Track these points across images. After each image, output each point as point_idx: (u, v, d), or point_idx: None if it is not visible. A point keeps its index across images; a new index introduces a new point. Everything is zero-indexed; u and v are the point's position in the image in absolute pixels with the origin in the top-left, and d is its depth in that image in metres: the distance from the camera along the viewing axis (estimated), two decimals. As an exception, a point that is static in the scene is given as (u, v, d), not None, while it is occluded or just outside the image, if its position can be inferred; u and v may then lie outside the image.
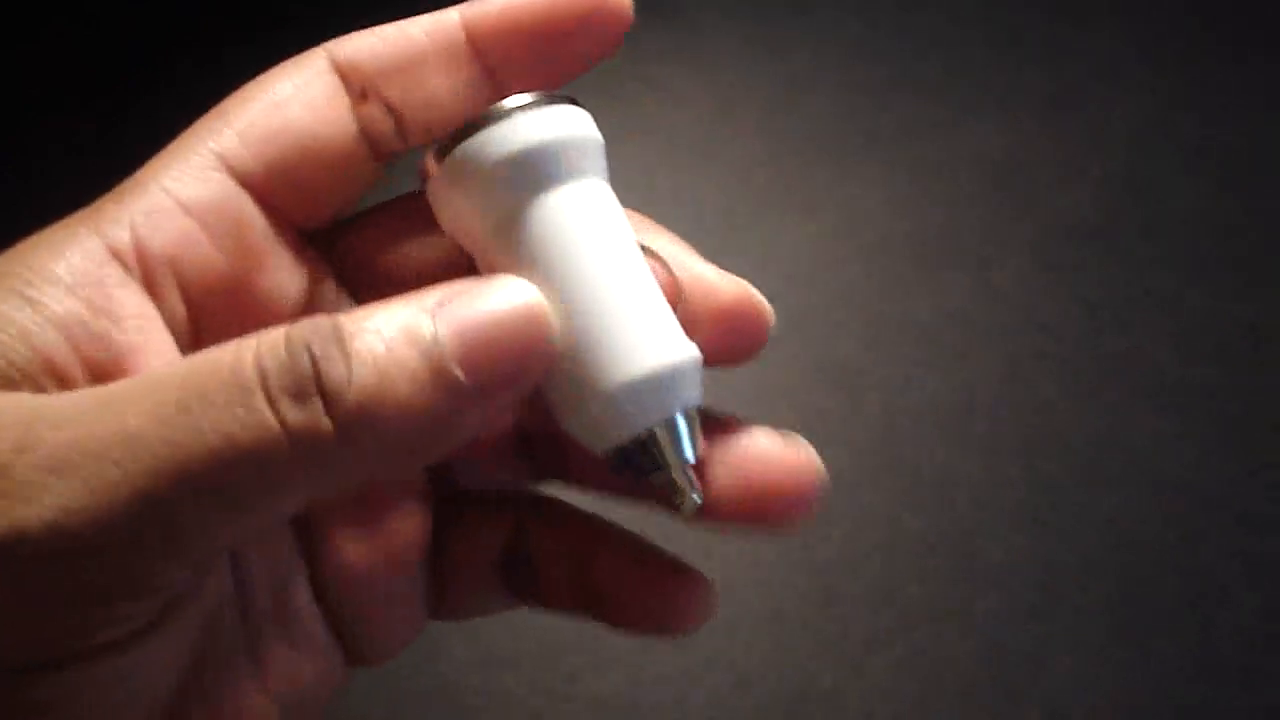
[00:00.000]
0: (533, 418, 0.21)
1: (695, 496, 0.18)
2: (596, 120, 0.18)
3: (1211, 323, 0.70)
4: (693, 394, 0.18)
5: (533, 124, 0.17)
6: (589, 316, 0.16)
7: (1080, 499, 0.64)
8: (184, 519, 0.14)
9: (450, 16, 0.19)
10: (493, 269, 0.17)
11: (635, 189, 0.79)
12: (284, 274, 0.19)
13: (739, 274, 0.20)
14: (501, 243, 0.17)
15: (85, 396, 0.15)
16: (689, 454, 0.18)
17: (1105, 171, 0.78)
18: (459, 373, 0.15)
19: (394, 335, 0.15)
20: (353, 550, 0.20)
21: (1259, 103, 0.81)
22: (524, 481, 0.22)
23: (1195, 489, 0.64)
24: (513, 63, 0.19)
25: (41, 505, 0.13)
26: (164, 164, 0.18)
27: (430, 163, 0.18)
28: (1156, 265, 0.73)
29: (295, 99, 0.19)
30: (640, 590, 0.20)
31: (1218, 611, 0.60)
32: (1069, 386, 0.68)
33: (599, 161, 0.18)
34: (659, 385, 0.17)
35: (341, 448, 0.14)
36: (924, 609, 0.61)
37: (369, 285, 0.20)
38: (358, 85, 0.19)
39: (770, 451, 0.20)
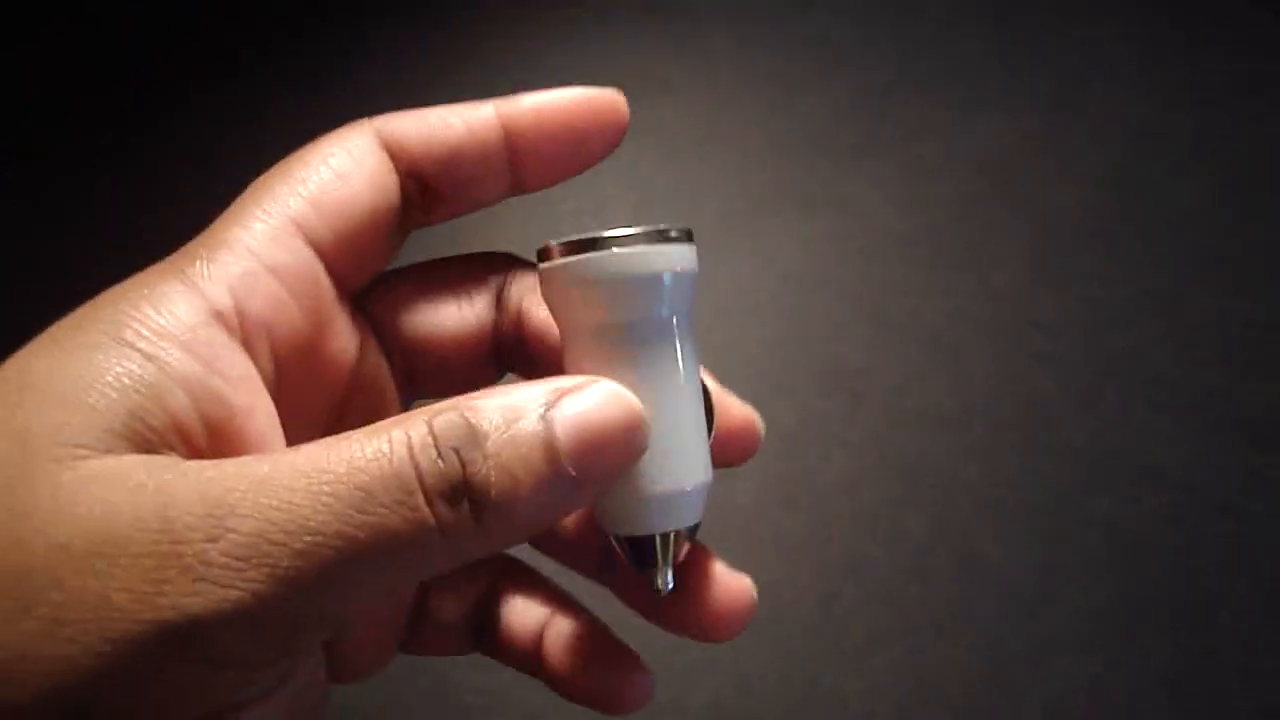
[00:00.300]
0: None
1: (670, 585, 0.21)
2: None
3: (1211, 323, 0.70)
4: (701, 510, 0.21)
5: (666, 255, 0.19)
6: (656, 430, 0.19)
7: (1080, 499, 0.64)
8: (346, 599, 0.16)
9: (486, 110, 0.21)
10: (581, 359, 0.20)
11: (635, 189, 0.79)
12: (345, 334, 0.21)
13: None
14: (601, 343, 0.19)
15: (246, 477, 0.16)
16: (680, 555, 0.21)
17: (1105, 172, 0.78)
18: (571, 470, 0.17)
19: (523, 439, 0.17)
20: None
21: (1259, 103, 0.81)
22: None
23: (1195, 489, 0.64)
24: (537, 155, 0.21)
25: (236, 590, 0.15)
26: (244, 225, 0.19)
27: (559, 255, 0.19)
28: (1156, 265, 0.73)
29: (356, 173, 0.20)
30: (587, 671, 0.24)
31: (1218, 611, 0.60)
32: (1069, 386, 0.68)
33: (692, 294, 0.21)
34: (689, 500, 0.20)
35: (479, 535, 0.17)
36: (924, 609, 0.61)
37: (401, 346, 0.22)
38: (403, 163, 0.21)
39: (720, 580, 0.23)
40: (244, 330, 0.18)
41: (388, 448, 0.16)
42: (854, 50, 0.88)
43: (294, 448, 0.16)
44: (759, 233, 0.77)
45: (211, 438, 0.18)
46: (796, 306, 0.73)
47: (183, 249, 0.19)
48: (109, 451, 0.16)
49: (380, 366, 0.22)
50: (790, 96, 0.85)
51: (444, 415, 0.17)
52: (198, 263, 0.18)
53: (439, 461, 0.16)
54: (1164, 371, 0.68)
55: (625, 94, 0.21)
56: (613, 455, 0.18)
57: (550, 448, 0.17)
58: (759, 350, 0.71)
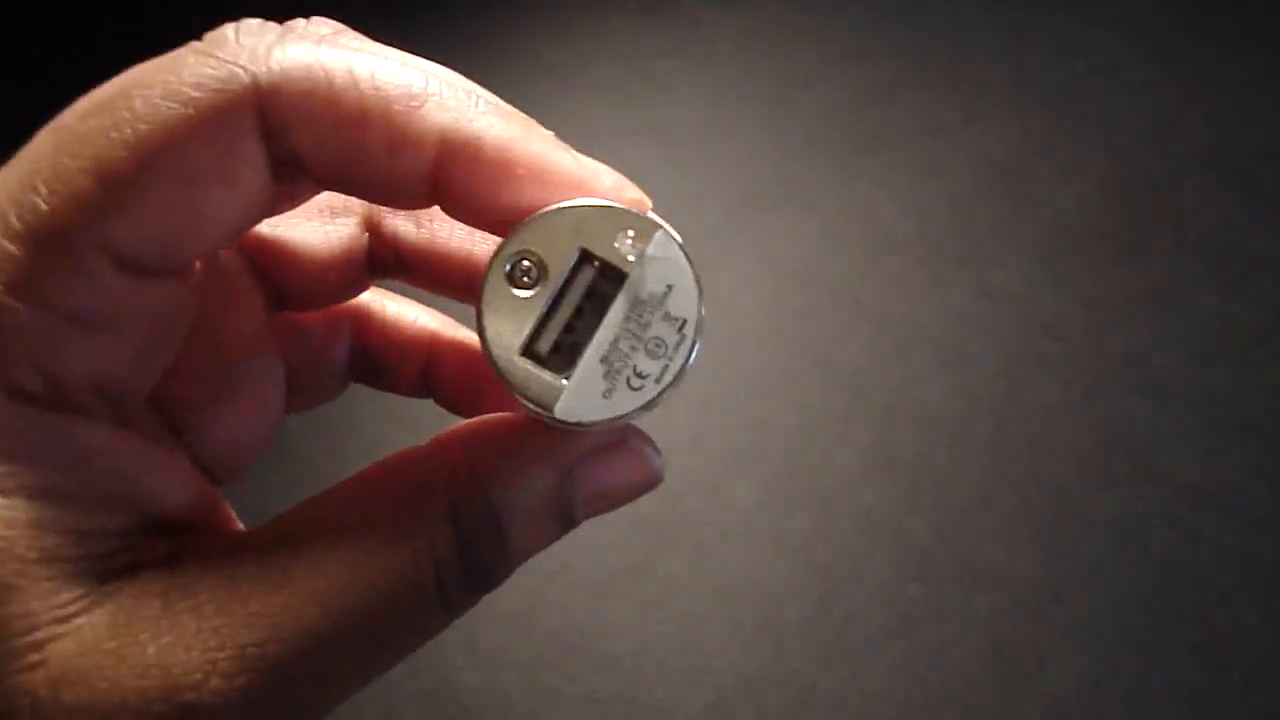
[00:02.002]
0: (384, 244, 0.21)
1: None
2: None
3: (1213, 323, 0.70)
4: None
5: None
6: None
7: (1081, 499, 0.64)
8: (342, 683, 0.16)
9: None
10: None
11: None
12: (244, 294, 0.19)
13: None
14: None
15: (270, 584, 0.15)
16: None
17: (1107, 170, 0.78)
18: (578, 522, 0.17)
19: (542, 515, 0.17)
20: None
21: (1262, 102, 0.81)
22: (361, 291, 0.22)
23: (1197, 489, 0.64)
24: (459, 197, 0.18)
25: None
26: (40, 255, 0.15)
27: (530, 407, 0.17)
28: (1158, 265, 0.73)
29: (212, 184, 0.16)
30: (472, 385, 0.22)
31: (1219, 611, 0.60)
32: (1070, 386, 0.68)
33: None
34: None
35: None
36: (924, 609, 0.61)
37: (267, 269, 0.20)
38: (282, 150, 0.16)
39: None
40: (71, 403, 0.15)
41: (411, 560, 0.15)
42: (854, 49, 0.87)
43: (306, 569, 0.15)
44: (760, 232, 0.77)
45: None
46: (797, 306, 0.73)
47: None
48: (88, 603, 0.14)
49: (243, 286, 0.19)
50: (791, 95, 0.85)
51: (471, 508, 0.16)
52: None
53: (460, 569, 0.16)
54: (1164, 371, 0.68)
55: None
56: (624, 502, 0.18)
57: (565, 517, 0.17)
58: (759, 350, 0.71)
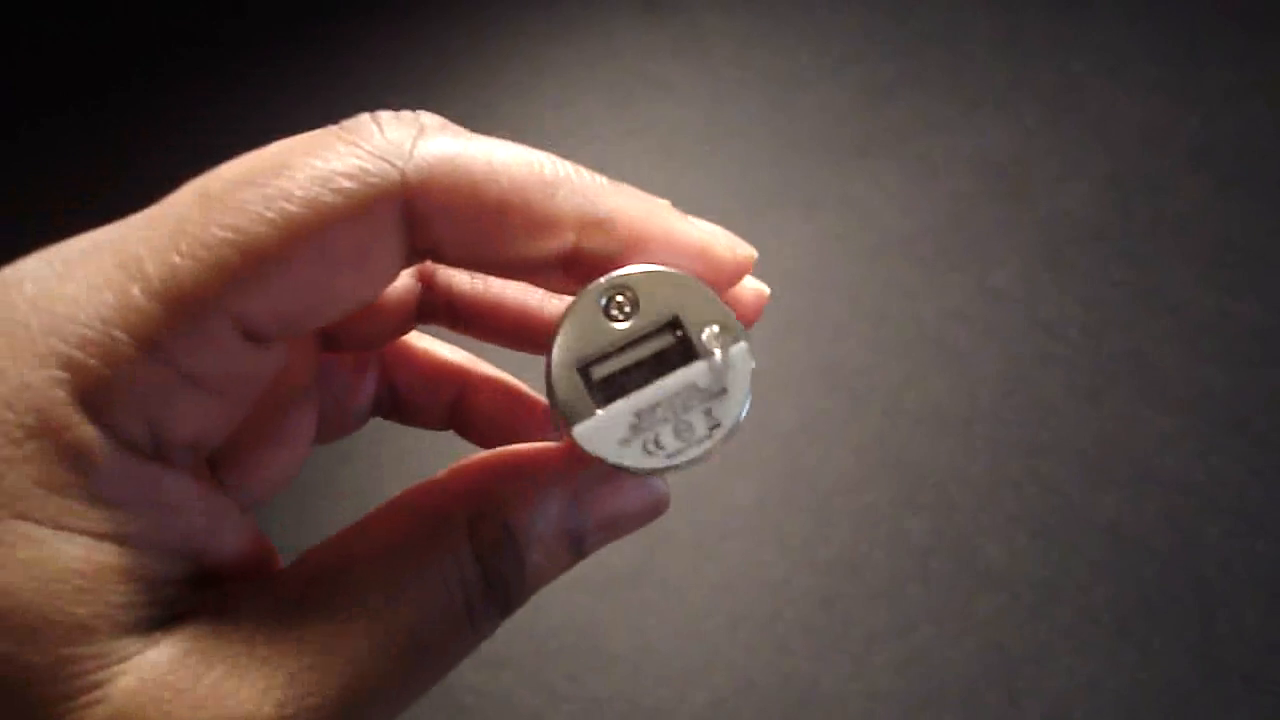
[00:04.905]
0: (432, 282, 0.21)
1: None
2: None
3: (1213, 323, 0.70)
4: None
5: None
6: None
7: (1081, 499, 0.64)
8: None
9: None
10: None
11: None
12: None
13: None
14: None
15: (313, 620, 0.15)
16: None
17: (1107, 171, 0.78)
18: (589, 550, 0.18)
19: (555, 539, 0.17)
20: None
21: (1261, 102, 0.81)
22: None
23: (1197, 489, 0.64)
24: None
25: None
26: (170, 319, 0.16)
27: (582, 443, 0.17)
28: (1158, 265, 0.73)
29: (354, 271, 0.17)
30: (504, 420, 0.23)
31: (1218, 611, 0.60)
32: (1070, 386, 0.68)
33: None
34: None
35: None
36: (924, 609, 0.61)
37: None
38: (424, 243, 0.17)
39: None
40: (164, 458, 0.16)
41: (443, 587, 0.16)
42: (854, 49, 0.87)
43: (345, 604, 0.16)
44: (759, 233, 0.77)
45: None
46: (797, 306, 0.73)
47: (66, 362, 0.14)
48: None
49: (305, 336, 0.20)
50: (790, 96, 0.85)
51: (489, 529, 0.17)
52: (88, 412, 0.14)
53: (486, 591, 0.17)
54: (1165, 371, 0.68)
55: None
56: (631, 531, 0.19)
57: (576, 543, 0.18)
58: (759, 350, 0.71)
